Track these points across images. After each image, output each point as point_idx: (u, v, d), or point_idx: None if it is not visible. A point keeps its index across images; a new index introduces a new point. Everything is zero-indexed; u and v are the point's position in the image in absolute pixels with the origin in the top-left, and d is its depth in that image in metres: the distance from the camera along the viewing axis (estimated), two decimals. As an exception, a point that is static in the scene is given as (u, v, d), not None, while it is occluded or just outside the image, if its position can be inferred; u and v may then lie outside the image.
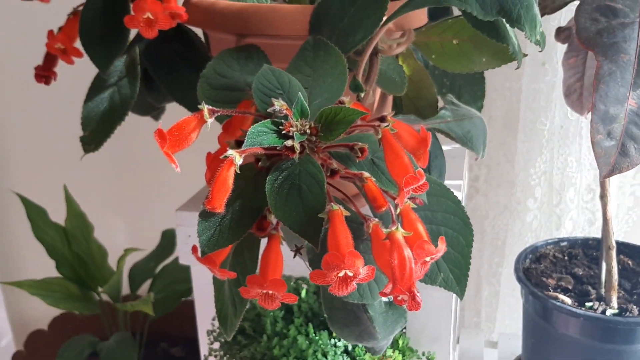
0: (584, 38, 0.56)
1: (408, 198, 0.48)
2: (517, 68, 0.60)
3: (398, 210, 0.45)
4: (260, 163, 0.45)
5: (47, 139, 1.18)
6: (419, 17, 0.62)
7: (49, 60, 0.66)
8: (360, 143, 0.45)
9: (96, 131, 0.64)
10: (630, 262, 0.86)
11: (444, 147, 0.95)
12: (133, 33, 0.64)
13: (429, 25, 0.62)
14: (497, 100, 1.03)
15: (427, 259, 0.44)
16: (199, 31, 0.69)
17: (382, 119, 0.49)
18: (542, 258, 0.88)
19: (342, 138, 0.47)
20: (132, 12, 0.58)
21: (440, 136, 0.66)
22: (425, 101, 0.65)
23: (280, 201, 0.43)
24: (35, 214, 0.98)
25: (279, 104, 0.45)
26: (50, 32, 0.63)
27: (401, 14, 0.52)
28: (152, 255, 1.08)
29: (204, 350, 0.85)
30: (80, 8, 0.63)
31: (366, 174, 0.44)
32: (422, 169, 0.51)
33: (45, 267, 1.00)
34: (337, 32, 0.55)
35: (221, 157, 0.42)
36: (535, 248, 0.88)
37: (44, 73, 0.66)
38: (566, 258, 0.88)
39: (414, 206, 0.45)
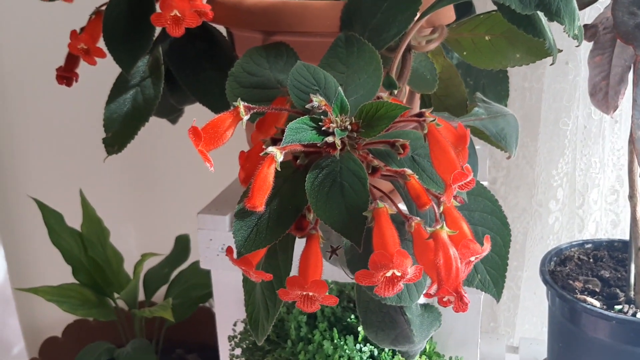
0: (623, 32, 0.55)
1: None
2: (552, 64, 0.59)
3: (441, 208, 0.43)
4: (298, 161, 0.44)
5: (63, 144, 1.17)
6: (448, 13, 0.61)
7: (71, 61, 0.65)
8: (401, 140, 0.43)
9: (119, 132, 0.63)
10: (658, 264, 0.84)
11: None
12: (156, 32, 0.63)
13: (460, 21, 0.61)
14: (516, 101, 1.02)
15: (472, 258, 0.42)
16: (222, 30, 0.68)
17: (421, 115, 0.48)
18: (567, 260, 0.86)
19: (381, 135, 0.46)
20: (158, 10, 0.57)
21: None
22: (454, 100, 0.64)
23: (321, 199, 0.41)
24: (52, 219, 0.96)
25: (317, 100, 0.44)
26: (74, 32, 0.62)
27: (437, 9, 0.51)
28: (166, 261, 1.07)
29: (223, 356, 0.83)
30: (103, 8, 0.62)
31: (409, 171, 0.43)
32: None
33: (60, 273, 0.98)
34: (369, 28, 0.54)
35: (261, 154, 0.40)
36: (559, 250, 0.86)
37: (66, 74, 0.65)
38: (591, 260, 0.87)
39: (457, 204, 0.44)
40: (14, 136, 1.19)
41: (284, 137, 0.42)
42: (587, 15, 0.86)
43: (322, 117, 0.43)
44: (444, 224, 0.41)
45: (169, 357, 1.10)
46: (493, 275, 0.53)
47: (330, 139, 0.42)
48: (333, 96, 0.45)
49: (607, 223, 0.96)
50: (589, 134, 0.92)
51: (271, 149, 0.40)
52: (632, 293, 0.77)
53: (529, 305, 1.11)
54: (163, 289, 1.06)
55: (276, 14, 0.57)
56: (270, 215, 0.43)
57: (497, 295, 0.54)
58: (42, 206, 0.97)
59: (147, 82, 0.64)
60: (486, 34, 0.59)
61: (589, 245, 0.89)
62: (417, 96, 0.66)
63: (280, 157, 0.41)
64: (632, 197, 0.75)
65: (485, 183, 0.80)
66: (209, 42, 0.65)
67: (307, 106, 0.44)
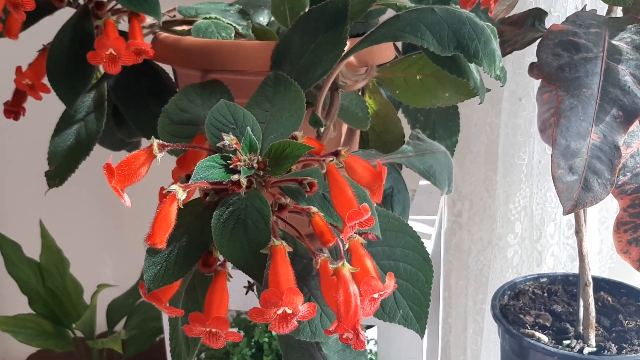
0: (546, 73, 0.56)
1: (360, 233, 0.47)
2: (480, 103, 0.60)
3: (347, 245, 0.44)
4: (208, 198, 0.45)
5: (23, 173, 1.19)
6: (384, 53, 0.63)
7: (18, 96, 0.66)
8: (309, 178, 0.44)
9: (62, 165, 0.64)
10: (610, 298, 0.84)
11: (421, 183, 0.95)
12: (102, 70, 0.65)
13: (394, 61, 0.62)
14: (479, 136, 1.03)
15: (376, 295, 0.43)
16: (168, 68, 0.69)
17: (337, 154, 0.49)
18: (521, 294, 0.86)
19: (294, 172, 0.47)
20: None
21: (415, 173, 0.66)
22: (392, 135, 0.65)
23: (225, 236, 0.42)
24: (10, 249, 0.97)
25: (228, 139, 0.45)
26: (19, 69, 0.64)
27: (358, 50, 0.52)
28: (131, 292, 1.07)
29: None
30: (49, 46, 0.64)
31: (314, 209, 0.43)
32: (378, 204, 0.51)
33: (20, 303, 0.99)
34: (297, 68, 0.55)
35: (164, 192, 0.42)
36: (514, 284, 0.87)
37: (13, 109, 0.67)
38: (545, 294, 0.87)
39: (364, 242, 0.45)
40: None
41: (192, 175, 0.43)
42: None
43: (232, 155, 0.44)
44: (345, 261, 0.42)
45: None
46: (415, 311, 0.53)
47: (235, 177, 0.43)
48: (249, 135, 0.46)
49: (565, 257, 0.96)
50: (545, 168, 0.93)
51: (173, 187, 0.41)
52: (580, 328, 0.77)
53: (494, 338, 1.10)
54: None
55: (211, 53, 0.58)
56: (178, 251, 0.44)
57: (421, 331, 0.54)
58: (-1, 236, 0.98)
59: (91, 116, 0.65)
60: (417, 74, 0.60)
61: (544, 279, 0.89)
62: (357, 133, 0.67)
63: (182, 195, 0.42)
64: (578, 232, 0.75)
65: (434, 217, 0.81)
66: (152, 79, 0.67)
67: (218, 144, 0.45)
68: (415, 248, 0.53)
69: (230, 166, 0.44)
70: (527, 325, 0.80)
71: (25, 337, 0.93)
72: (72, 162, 0.64)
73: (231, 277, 0.45)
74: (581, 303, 0.77)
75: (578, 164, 0.55)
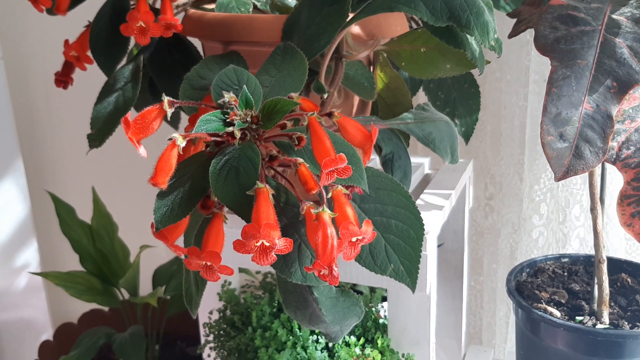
0: (542, 45, 0.58)
1: (347, 187, 0.51)
2: (480, 74, 0.63)
3: (330, 194, 0.49)
4: (208, 149, 0.50)
5: (77, 143, 1.30)
6: (393, 28, 0.66)
7: (66, 67, 0.74)
8: (298, 133, 0.49)
9: (101, 129, 0.71)
10: (629, 279, 0.84)
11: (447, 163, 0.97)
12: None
13: (401, 35, 0.66)
14: (509, 119, 1.04)
15: (354, 239, 0.47)
16: (197, 43, 0.75)
17: (330, 114, 0.53)
18: (540, 272, 0.87)
19: (289, 129, 0.52)
20: (129, 22, 0.65)
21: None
22: (401, 107, 0.69)
23: (220, 181, 0.47)
24: (64, 211, 1.07)
25: (228, 96, 0.50)
26: (66, 42, 0.72)
27: (354, 21, 0.57)
28: (176, 259, 1.15)
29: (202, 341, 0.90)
30: (94, 21, 0.71)
31: (300, 160, 0.48)
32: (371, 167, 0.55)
33: (72, 261, 1.09)
34: (304, 39, 0.60)
35: (167, 139, 0.47)
36: (533, 262, 0.88)
37: (62, 78, 0.75)
38: (566, 274, 0.88)
39: (346, 192, 0.49)
40: (39, 138, 1.34)
41: (195, 127, 0.48)
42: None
43: (230, 111, 0.49)
44: (325, 207, 0.47)
45: (171, 349, 1.18)
46: (407, 266, 0.57)
47: (230, 129, 0.48)
48: (252, 95, 0.52)
49: (591, 239, 0.96)
50: (572, 150, 0.94)
51: (174, 135, 0.47)
52: (595, 305, 0.78)
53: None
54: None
55: (229, 26, 0.64)
56: (182, 195, 0.50)
57: (412, 286, 0.57)
58: (55, 199, 1.08)
59: (128, 86, 0.72)
60: (422, 46, 0.63)
61: (566, 259, 0.89)
62: (369, 104, 0.71)
63: (182, 143, 0.47)
64: (593, 209, 0.76)
65: (450, 191, 0.83)
66: (182, 52, 0.73)
67: (219, 101, 0.51)
68: (407, 207, 0.57)
69: (228, 120, 0.49)
70: (541, 300, 0.81)
71: (75, 291, 1.02)
72: (110, 125, 0.71)
73: (227, 219, 0.50)
74: (596, 280, 0.78)
75: (569, 132, 0.56)
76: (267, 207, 0.45)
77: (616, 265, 0.86)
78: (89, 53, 0.71)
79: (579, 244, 0.96)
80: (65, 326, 1.21)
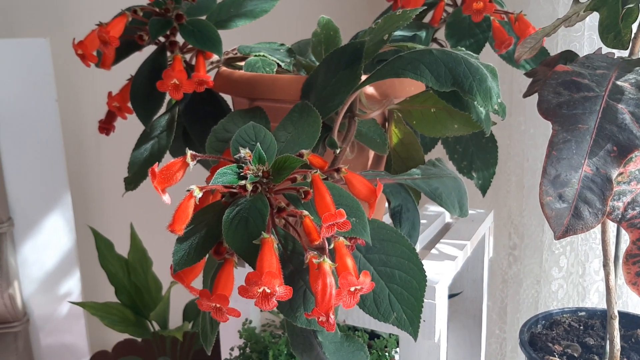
0: (544, 109, 0.61)
1: (349, 239, 0.55)
2: (487, 135, 0.66)
3: (332, 245, 0.53)
4: (224, 199, 0.55)
5: (117, 182, 1.39)
6: (407, 88, 0.71)
7: (109, 116, 0.82)
8: (305, 187, 0.54)
9: (137, 174, 0.78)
10: (645, 336, 0.84)
11: (471, 212, 1.00)
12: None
13: (414, 95, 0.70)
14: (532, 171, 1.06)
15: (352, 289, 0.51)
16: (228, 97, 0.82)
17: (338, 170, 0.58)
18: (556, 325, 0.88)
19: (299, 182, 0.56)
20: (165, 79, 0.72)
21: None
22: (414, 161, 0.73)
23: (231, 230, 0.52)
24: (103, 245, 1.14)
25: (244, 152, 0.55)
26: (109, 93, 0.79)
27: (366, 85, 0.61)
28: (205, 294, 1.20)
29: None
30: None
31: (305, 213, 0.52)
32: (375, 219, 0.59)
33: (108, 292, 1.15)
34: (320, 98, 0.65)
35: (185, 190, 0.53)
36: (549, 315, 0.89)
37: (105, 126, 0.82)
38: (581, 328, 0.88)
39: (348, 244, 0.53)
40: (87, 176, 1.43)
41: (212, 179, 0.54)
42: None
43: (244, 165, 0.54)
44: (325, 257, 0.50)
45: (197, 381, 1.22)
46: (409, 315, 0.60)
47: (243, 182, 0.53)
48: (267, 151, 0.57)
49: (612, 295, 0.96)
50: (592, 205, 0.95)
51: (192, 187, 0.52)
52: (607, 361, 0.78)
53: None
54: (201, 319, 1.20)
55: (254, 84, 0.70)
56: (198, 241, 0.55)
57: (414, 334, 0.60)
58: (95, 234, 1.16)
59: (163, 134, 0.79)
60: (432, 107, 0.68)
61: (583, 313, 0.90)
62: (384, 158, 0.75)
63: (199, 194, 0.52)
64: (605, 265, 0.77)
65: (465, 242, 0.86)
66: (214, 105, 0.79)
67: (236, 156, 0.56)
68: (410, 258, 0.60)
69: (242, 174, 0.54)
70: (554, 353, 0.82)
71: (110, 321, 1.08)
72: (145, 170, 0.77)
73: (237, 265, 0.54)
74: (607, 336, 0.78)
75: (568, 193, 0.59)
76: (270, 256, 0.49)
77: (633, 321, 0.86)
78: (129, 104, 0.78)
79: (598, 298, 0.97)
80: (100, 354, 1.27)
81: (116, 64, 0.78)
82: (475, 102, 0.62)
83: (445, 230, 0.95)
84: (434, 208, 1.00)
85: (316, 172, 0.52)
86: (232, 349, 0.89)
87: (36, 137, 1.23)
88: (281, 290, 0.48)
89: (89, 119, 1.44)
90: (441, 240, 0.86)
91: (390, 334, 0.99)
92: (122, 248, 1.21)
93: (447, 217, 1.00)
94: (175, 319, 1.21)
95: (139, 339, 1.26)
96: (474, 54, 0.62)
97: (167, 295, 1.11)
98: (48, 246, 1.25)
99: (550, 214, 0.59)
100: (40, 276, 1.27)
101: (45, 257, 1.26)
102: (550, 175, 0.59)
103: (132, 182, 0.78)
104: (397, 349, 0.89)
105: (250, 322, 0.89)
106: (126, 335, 1.27)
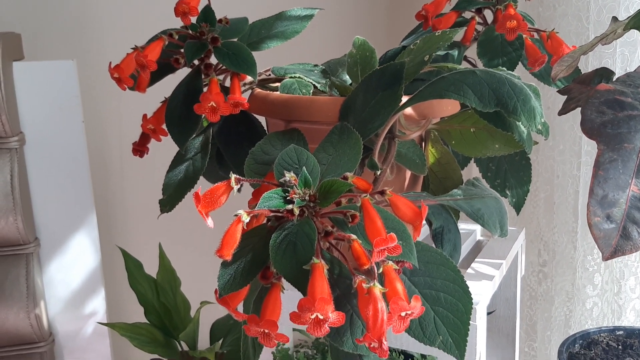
0: (588, 129, 0.61)
1: (396, 262, 0.55)
2: (528, 154, 0.66)
3: (381, 269, 0.52)
4: (269, 223, 0.55)
5: (147, 204, 1.39)
6: (445, 108, 0.71)
7: (143, 138, 0.82)
8: (352, 210, 0.53)
9: (172, 195, 0.78)
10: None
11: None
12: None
13: (452, 115, 0.70)
14: (562, 188, 1.05)
15: (403, 314, 0.50)
16: (262, 118, 0.82)
17: (382, 192, 0.57)
18: (594, 345, 0.87)
19: (344, 206, 0.56)
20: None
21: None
22: (451, 181, 0.72)
23: (279, 254, 0.52)
24: (133, 266, 1.14)
25: (289, 175, 0.55)
26: (144, 116, 0.79)
27: (408, 106, 0.61)
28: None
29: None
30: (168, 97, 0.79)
31: (353, 237, 0.52)
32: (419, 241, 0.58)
33: (137, 313, 1.15)
34: (359, 120, 0.65)
35: (233, 215, 0.52)
36: (587, 334, 0.88)
37: (139, 148, 0.82)
38: (620, 347, 0.87)
39: (396, 267, 0.52)
40: (112, 196, 1.43)
41: (258, 203, 0.53)
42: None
43: (290, 189, 0.54)
44: (376, 282, 0.50)
45: (225, 403, 1.21)
46: (455, 338, 0.59)
47: (290, 206, 0.53)
48: (310, 174, 0.56)
49: (648, 313, 0.95)
50: (626, 221, 0.94)
51: (240, 212, 0.52)
52: (650, 383, 0.77)
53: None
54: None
55: (291, 106, 0.70)
56: (244, 265, 0.54)
57: (460, 358, 0.59)
58: (125, 254, 1.16)
59: (198, 156, 0.79)
60: (472, 127, 0.67)
61: (621, 332, 0.89)
62: (420, 178, 0.75)
63: (246, 219, 0.52)
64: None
65: (501, 261, 0.85)
66: (248, 127, 0.79)
67: (281, 180, 0.56)
68: (456, 281, 0.59)
69: (288, 198, 0.54)
70: (594, 374, 0.81)
71: (139, 342, 1.08)
72: (180, 192, 0.77)
73: (284, 289, 0.54)
74: (650, 356, 0.77)
75: (616, 213, 0.58)
76: (322, 281, 0.48)
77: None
78: (164, 126, 0.78)
79: (634, 316, 0.95)
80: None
81: (150, 86, 0.79)
82: (519, 123, 0.61)
83: (477, 248, 0.94)
84: (464, 226, 1.00)
85: (366, 196, 0.51)
86: (265, 371, 0.88)
87: (62, 158, 1.23)
88: (334, 317, 0.47)
89: (114, 141, 1.45)
90: (476, 259, 0.85)
91: (422, 355, 0.98)
92: (149, 268, 1.21)
93: (478, 235, 1.00)
94: (201, 338, 1.21)
95: (160, 356, 1.26)
96: (515, 74, 0.61)
97: (197, 316, 1.11)
98: (74, 266, 1.25)
99: (599, 235, 0.58)
100: (65, 296, 1.27)
101: (71, 277, 1.26)
102: (597, 196, 0.58)
103: (168, 203, 0.78)
104: (432, 370, 0.88)
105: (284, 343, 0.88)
106: (153, 356, 1.27)
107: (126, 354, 1.41)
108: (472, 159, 0.89)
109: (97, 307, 1.28)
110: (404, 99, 0.62)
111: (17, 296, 1.18)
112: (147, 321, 1.14)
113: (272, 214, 0.54)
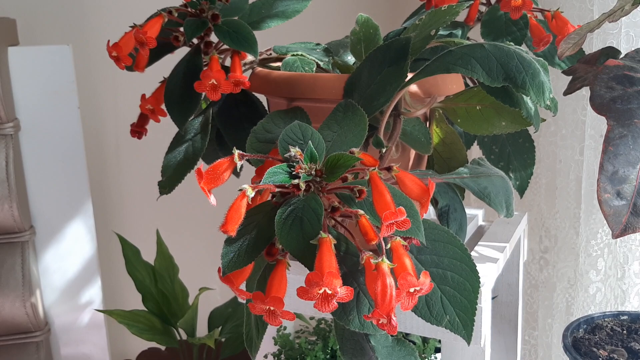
0: (598, 104, 0.60)
1: (405, 238, 0.54)
2: (536, 132, 0.65)
3: (388, 245, 0.51)
4: (274, 199, 0.54)
5: (144, 188, 1.37)
6: (449, 86, 0.69)
7: (142, 119, 0.80)
8: (359, 186, 0.52)
9: (171, 177, 0.76)
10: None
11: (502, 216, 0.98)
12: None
13: (457, 93, 0.68)
14: (565, 173, 1.04)
15: (412, 290, 0.49)
16: (262, 98, 0.80)
17: (389, 168, 0.56)
18: (598, 329, 0.86)
19: (350, 181, 0.55)
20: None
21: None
22: (456, 161, 0.71)
23: (285, 230, 0.50)
24: (130, 252, 1.13)
25: (294, 150, 0.54)
26: (143, 96, 0.78)
27: (414, 81, 0.60)
28: (231, 302, 1.18)
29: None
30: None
31: (361, 212, 0.51)
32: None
33: (135, 300, 1.14)
34: (364, 97, 0.64)
35: (237, 190, 0.51)
36: (591, 319, 0.87)
37: (138, 129, 0.80)
38: (625, 332, 0.86)
39: (404, 243, 0.51)
40: (108, 182, 1.41)
41: (263, 178, 0.52)
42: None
43: (295, 164, 0.53)
44: (384, 258, 0.49)
45: (224, 390, 1.20)
46: (462, 318, 0.58)
47: (296, 181, 0.51)
48: (316, 149, 0.55)
49: (652, 297, 0.94)
50: (630, 205, 0.93)
51: (244, 186, 0.51)
52: (655, 366, 0.76)
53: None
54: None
55: (294, 84, 0.68)
56: (249, 242, 0.53)
57: (467, 338, 0.58)
58: (123, 241, 1.14)
59: (198, 137, 0.77)
60: (478, 104, 0.66)
61: (625, 317, 0.88)
62: (425, 158, 0.73)
63: (251, 193, 0.51)
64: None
65: (504, 244, 0.84)
66: (249, 107, 0.78)
67: (286, 155, 0.54)
68: (463, 259, 0.58)
69: (293, 173, 0.52)
70: (599, 358, 0.80)
71: (137, 330, 1.07)
72: (179, 174, 0.76)
73: (289, 266, 0.53)
74: (656, 339, 0.76)
75: (626, 190, 0.57)
76: (330, 256, 0.47)
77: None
78: (163, 106, 0.77)
79: (639, 301, 0.94)
80: (123, 364, 1.26)
81: (149, 66, 0.77)
82: (528, 98, 0.60)
83: (479, 232, 0.93)
84: (467, 210, 0.98)
85: (374, 169, 0.50)
86: (265, 356, 0.87)
87: (58, 144, 1.21)
88: (342, 291, 0.46)
89: (109, 127, 1.43)
90: (480, 243, 0.84)
91: (424, 340, 0.97)
92: (147, 255, 1.19)
93: (480, 220, 0.98)
94: (199, 327, 1.19)
95: (163, 348, 1.25)
96: (523, 49, 0.60)
97: (195, 303, 1.09)
98: (70, 254, 1.24)
99: (609, 212, 0.57)
100: (61, 285, 1.25)
101: (67, 265, 1.24)
102: (607, 172, 0.57)
103: (167, 185, 0.76)
104: (435, 355, 0.87)
105: (285, 328, 0.87)
106: (149, 344, 1.26)
107: (122, 343, 1.39)
108: (475, 142, 0.88)
109: (93, 295, 1.26)
110: (410, 75, 0.61)
111: (13, 285, 1.16)
112: (145, 308, 1.13)
113: (277, 189, 0.53)
